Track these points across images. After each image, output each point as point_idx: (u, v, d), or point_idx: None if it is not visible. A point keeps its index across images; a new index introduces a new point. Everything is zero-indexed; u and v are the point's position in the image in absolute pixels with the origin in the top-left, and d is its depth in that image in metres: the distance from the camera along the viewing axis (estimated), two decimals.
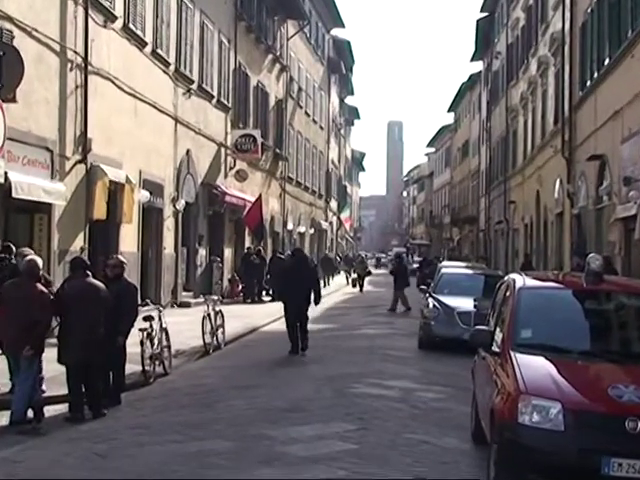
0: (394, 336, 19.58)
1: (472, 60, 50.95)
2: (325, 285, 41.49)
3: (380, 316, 25.03)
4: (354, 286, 40.38)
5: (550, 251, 27.72)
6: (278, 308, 24.59)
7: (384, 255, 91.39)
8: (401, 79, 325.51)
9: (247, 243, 31.66)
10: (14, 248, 12.23)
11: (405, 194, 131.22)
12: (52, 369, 10.58)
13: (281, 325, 21.58)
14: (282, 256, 29.02)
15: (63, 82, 16.84)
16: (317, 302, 16.21)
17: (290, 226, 40.80)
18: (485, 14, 44.10)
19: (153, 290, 22.08)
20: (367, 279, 40.14)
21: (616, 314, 8.09)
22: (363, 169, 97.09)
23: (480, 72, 52.16)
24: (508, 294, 8.25)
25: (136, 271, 19.88)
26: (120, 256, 12.37)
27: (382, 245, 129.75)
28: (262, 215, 30.05)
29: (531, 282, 8.46)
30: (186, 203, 24.47)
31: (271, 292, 29.23)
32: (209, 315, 16.32)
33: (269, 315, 23.08)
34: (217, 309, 16.84)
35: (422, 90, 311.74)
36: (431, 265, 35.04)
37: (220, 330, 16.87)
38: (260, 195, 30.66)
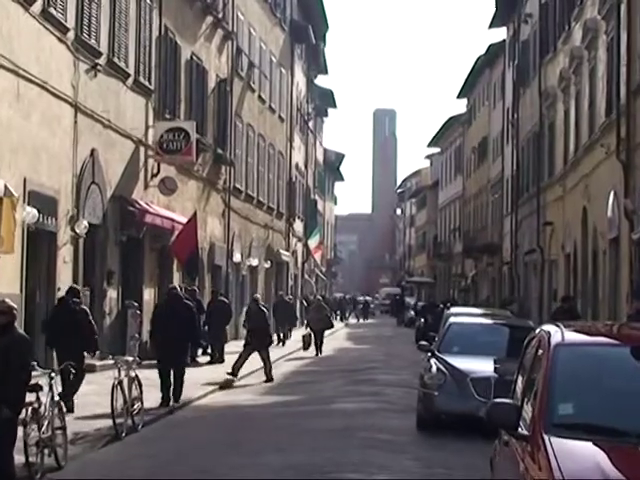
0: (382, 412, 19.57)
1: (491, 26, 51.45)
2: (281, 342, 40.64)
3: (362, 384, 24.99)
4: (306, 348, 37.70)
5: (601, 292, 27.91)
6: (219, 373, 24.75)
7: (368, 298, 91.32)
8: (393, 52, 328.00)
9: (176, 281, 31.57)
10: None
11: (399, 212, 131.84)
12: None
13: (225, 397, 21.71)
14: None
15: None
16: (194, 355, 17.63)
17: (237, 257, 40.73)
18: None
19: (42, 348, 21.90)
20: (328, 333, 37.87)
21: None
22: (341, 177, 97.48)
23: (503, 42, 52.66)
24: (541, 353, 8.27)
25: (18, 320, 19.69)
26: (9, 300, 12.33)
27: (367, 283, 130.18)
28: (197, 242, 30.01)
29: (572, 336, 8.49)
30: (90, 225, 24.37)
31: (209, 350, 29.39)
32: (121, 383, 16.24)
33: (207, 382, 23.12)
34: (133, 375, 16.79)
35: (422, 67, 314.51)
36: (436, 312, 35.13)
37: (137, 404, 16.79)
38: (195, 214, 30.62)
